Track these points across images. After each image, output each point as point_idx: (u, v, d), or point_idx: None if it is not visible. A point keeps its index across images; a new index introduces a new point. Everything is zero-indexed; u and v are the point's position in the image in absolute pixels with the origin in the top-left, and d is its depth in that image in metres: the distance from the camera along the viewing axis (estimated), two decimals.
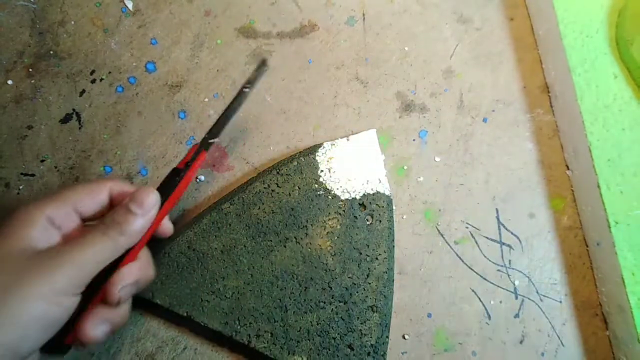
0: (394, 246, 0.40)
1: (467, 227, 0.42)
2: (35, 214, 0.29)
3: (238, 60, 0.44)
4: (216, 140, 0.36)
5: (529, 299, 0.41)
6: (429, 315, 0.40)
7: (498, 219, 0.42)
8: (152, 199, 0.31)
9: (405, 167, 0.43)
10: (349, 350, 0.37)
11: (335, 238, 0.39)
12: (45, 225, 0.29)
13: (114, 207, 0.32)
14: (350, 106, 0.44)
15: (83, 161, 0.41)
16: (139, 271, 0.31)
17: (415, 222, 0.42)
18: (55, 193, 0.31)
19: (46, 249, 0.29)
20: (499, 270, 0.41)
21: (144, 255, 0.33)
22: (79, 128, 0.42)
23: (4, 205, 0.40)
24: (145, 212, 0.31)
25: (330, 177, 0.40)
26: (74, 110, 0.42)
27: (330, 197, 0.39)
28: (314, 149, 0.40)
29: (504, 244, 0.42)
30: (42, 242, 0.29)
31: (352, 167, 0.40)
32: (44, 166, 0.41)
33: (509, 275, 0.41)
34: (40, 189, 0.40)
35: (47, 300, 0.27)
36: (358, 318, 0.37)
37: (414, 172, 0.43)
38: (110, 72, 0.43)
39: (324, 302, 0.37)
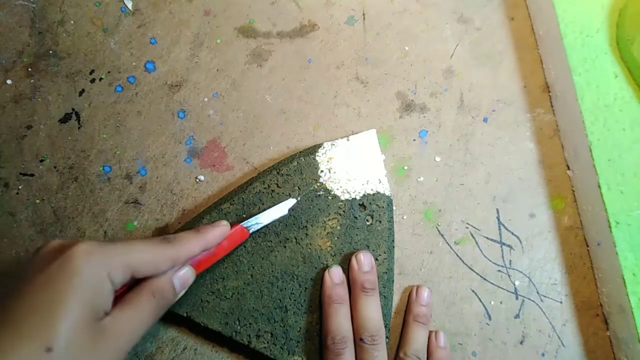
0: (394, 247, 0.40)
1: (467, 228, 0.42)
2: (102, 277, 0.27)
3: (238, 59, 0.44)
4: (255, 227, 0.37)
5: (529, 299, 0.41)
6: None
7: (498, 219, 0.42)
8: (191, 279, 0.33)
9: (405, 167, 0.43)
10: None
11: (335, 238, 0.39)
12: (110, 289, 0.28)
13: None
14: (350, 106, 0.44)
15: (82, 161, 0.41)
16: None
17: (416, 222, 0.42)
18: (118, 250, 0.29)
19: (104, 318, 0.28)
20: (499, 270, 0.41)
21: None
22: (78, 128, 0.42)
23: (3, 205, 0.40)
24: (182, 290, 0.33)
25: (330, 177, 0.40)
26: (73, 110, 0.42)
27: (330, 197, 0.39)
28: (314, 149, 0.40)
29: (504, 244, 0.42)
30: (103, 307, 0.28)
31: (352, 167, 0.40)
32: (43, 166, 0.41)
33: (509, 276, 0.41)
34: (40, 189, 0.40)
35: None
36: None
37: (414, 172, 0.43)
38: (109, 72, 0.43)
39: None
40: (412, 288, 0.40)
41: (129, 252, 0.29)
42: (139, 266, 0.29)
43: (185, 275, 0.32)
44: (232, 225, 0.36)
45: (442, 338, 0.39)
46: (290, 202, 0.38)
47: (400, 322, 0.40)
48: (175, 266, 0.32)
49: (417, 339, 0.38)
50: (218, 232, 0.34)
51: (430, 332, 0.39)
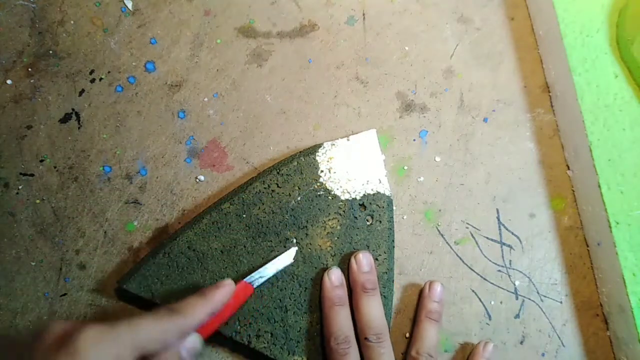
0: (394, 247, 0.40)
1: (467, 227, 0.42)
2: None
3: (238, 59, 0.44)
4: (259, 280, 0.37)
5: (529, 299, 0.41)
6: None
7: (498, 219, 0.42)
8: (200, 346, 0.32)
9: (405, 167, 0.43)
10: None
11: (336, 239, 0.39)
12: None
13: None
14: (350, 106, 0.44)
15: (82, 161, 0.41)
16: None
17: (416, 222, 0.42)
18: (125, 332, 0.28)
19: None
20: (499, 270, 0.41)
21: None
22: (78, 128, 0.42)
23: (3, 205, 0.40)
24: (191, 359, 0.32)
25: (330, 177, 0.40)
26: (73, 110, 0.42)
27: (330, 197, 0.39)
28: (314, 149, 0.40)
29: (504, 244, 0.42)
30: None
31: (352, 167, 0.40)
32: (43, 166, 0.41)
33: (509, 276, 0.41)
34: (40, 189, 0.40)
35: None
36: None
37: (414, 172, 0.43)
38: (109, 72, 0.43)
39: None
40: (425, 283, 0.40)
41: (135, 332, 0.28)
42: (147, 345, 0.29)
43: (192, 345, 0.32)
44: (235, 281, 0.35)
45: (490, 349, 0.39)
46: (292, 251, 0.38)
47: (401, 322, 0.40)
48: (183, 337, 0.31)
49: (430, 336, 0.38)
50: (224, 294, 0.33)
51: (479, 343, 0.39)
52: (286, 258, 0.38)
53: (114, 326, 0.28)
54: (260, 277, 0.37)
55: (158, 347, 0.29)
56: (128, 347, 0.28)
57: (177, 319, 0.30)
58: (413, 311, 0.40)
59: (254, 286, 0.37)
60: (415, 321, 0.40)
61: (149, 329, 0.29)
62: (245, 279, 0.36)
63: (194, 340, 0.32)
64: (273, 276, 0.38)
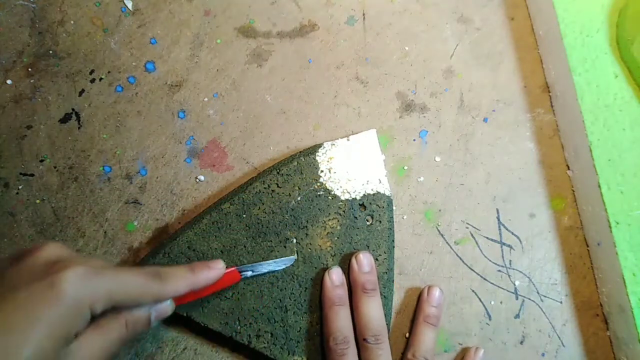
0: (394, 247, 0.40)
1: (467, 227, 0.42)
2: (84, 307, 0.27)
3: (238, 59, 0.44)
4: (248, 273, 0.37)
5: (529, 299, 0.41)
6: None
7: (498, 219, 0.42)
8: (170, 312, 0.33)
9: (405, 167, 0.43)
10: None
11: (336, 239, 0.39)
12: (88, 318, 0.28)
13: None
14: (350, 106, 0.44)
15: (82, 161, 0.41)
16: None
17: (416, 222, 0.42)
18: (107, 281, 0.28)
19: (72, 341, 0.27)
20: (499, 270, 0.41)
21: None
22: (78, 128, 0.42)
23: (3, 205, 0.40)
24: (157, 321, 0.33)
25: (330, 177, 0.40)
26: (73, 110, 0.42)
27: (330, 197, 0.39)
28: (314, 149, 0.40)
29: (504, 244, 0.42)
30: (75, 332, 0.27)
31: (352, 167, 0.40)
32: (43, 166, 0.41)
33: (509, 276, 0.41)
34: (40, 189, 0.40)
35: None
36: None
37: (414, 172, 0.43)
38: (109, 72, 0.43)
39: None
40: (424, 287, 0.40)
41: (117, 285, 0.29)
42: (123, 300, 0.29)
43: (164, 309, 0.32)
44: (227, 266, 0.36)
45: (480, 355, 0.39)
46: (291, 259, 0.38)
47: (401, 322, 0.40)
48: (158, 301, 0.32)
49: (427, 340, 0.38)
50: (212, 276, 0.34)
51: (469, 348, 0.39)
52: (282, 264, 0.38)
53: (101, 271, 0.28)
54: (252, 271, 0.37)
55: (131, 304, 0.30)
56: (105, 295, 0.28)
57: (160, 285, 0.31)
58: (413, 311, 0.40)
59: (242, 277, 0.37)
60: (412, 324, 0.40)
61: (130, 286, 0.30)
62: (237, 267, 0.37)
63: (167, 306, 0.33)
64: (273, 276, 0.38)
